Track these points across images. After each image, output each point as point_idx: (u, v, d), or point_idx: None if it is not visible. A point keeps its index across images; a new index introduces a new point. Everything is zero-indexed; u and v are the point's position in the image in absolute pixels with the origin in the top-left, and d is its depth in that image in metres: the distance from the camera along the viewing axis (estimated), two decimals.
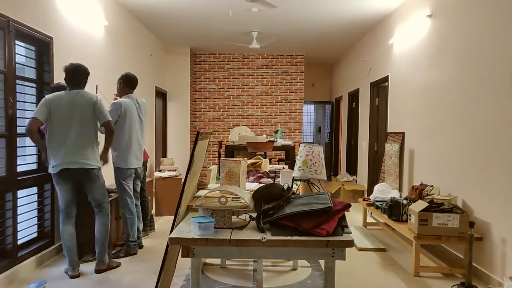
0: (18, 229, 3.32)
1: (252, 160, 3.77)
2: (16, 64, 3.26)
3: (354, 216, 5.78)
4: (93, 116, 3.32)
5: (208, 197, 2.23)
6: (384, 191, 4.71)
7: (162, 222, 5.32)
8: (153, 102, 7.14)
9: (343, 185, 7.06)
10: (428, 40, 4.53)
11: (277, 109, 8.88)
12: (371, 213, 5.28)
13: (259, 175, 3.48)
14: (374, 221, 5.28)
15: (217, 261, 3.73)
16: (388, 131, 5.83)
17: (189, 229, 1.99)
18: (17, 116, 3.30)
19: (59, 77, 3.89)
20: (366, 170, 6.80)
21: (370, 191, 6.23)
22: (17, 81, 3.30)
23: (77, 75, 3.33)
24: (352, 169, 7.99)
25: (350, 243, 1.86)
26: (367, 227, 5.14)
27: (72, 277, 3.31)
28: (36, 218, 3.69)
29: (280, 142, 6.78)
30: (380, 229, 5.06)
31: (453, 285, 3.26)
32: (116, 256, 3.82)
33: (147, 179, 5.03)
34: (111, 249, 3.94)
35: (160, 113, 7.88)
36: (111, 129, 3.38)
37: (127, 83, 3.98)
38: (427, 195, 3.97)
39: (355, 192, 6.92)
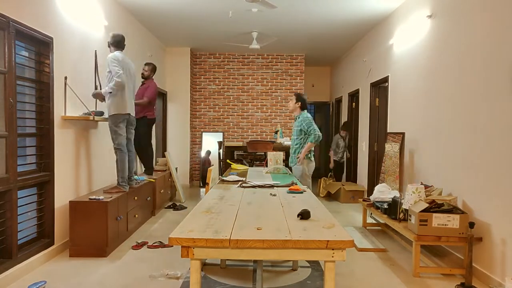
0: (18, 229, 3.32)
1: None
2: (16, 64, 3.26)
3: (354, 217, 5.78)
4: None
5: None
6: (384, 191, 4.70)
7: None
8: None
9: (343, 185, 7.05)
10: (428, 40, 4.53)
11: (277, 110, 8.88)
12: (371, 213, 5.28)
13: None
14: (374, 222, 5.28)
15: (217, 261, 3.72)
16: (388, 131, 5.83)
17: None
18: (17, 116, 3.29)
19: (59, 77, 3.89)
20: (366, 171, 6.80)
21: (370, 191, 6.23)
22: (17, 81, 3.30)
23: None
24: (352, 169, 7.99)
25: (350, 244, 1.86)
26: (367, 227, 5.13)
27: None
28: (36, 218, 3.69)
29: (281, 141, 6.78)
30: (380, 229, 5.06)
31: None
32: (109, 193, 4.26)
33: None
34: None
35: (160, 113, 7.87)
36: None
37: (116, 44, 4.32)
38: (427, 195, 3.97)
39: (355, 192, 6.91)
